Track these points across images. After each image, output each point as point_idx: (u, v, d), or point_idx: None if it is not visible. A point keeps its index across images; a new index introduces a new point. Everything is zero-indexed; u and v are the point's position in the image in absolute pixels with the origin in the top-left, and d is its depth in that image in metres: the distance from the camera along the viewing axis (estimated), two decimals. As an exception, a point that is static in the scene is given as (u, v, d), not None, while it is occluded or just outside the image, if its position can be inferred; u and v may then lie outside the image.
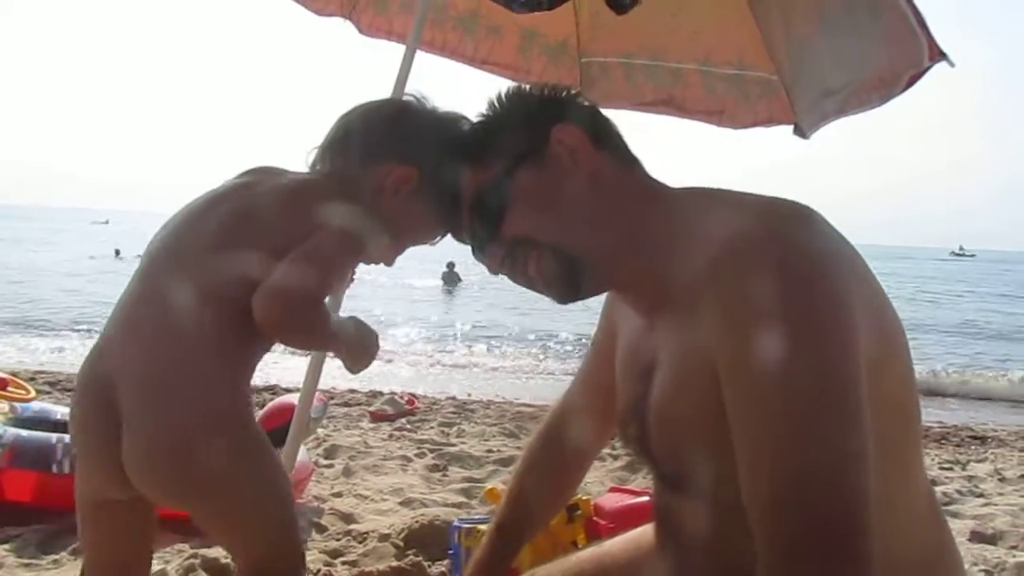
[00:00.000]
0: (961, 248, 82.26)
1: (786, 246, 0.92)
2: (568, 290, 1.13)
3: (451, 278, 23.23)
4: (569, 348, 11.98)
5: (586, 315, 1.90)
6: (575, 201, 1.11)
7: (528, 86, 1.23)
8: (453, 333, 13.36)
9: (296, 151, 1.44)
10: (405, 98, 1.42)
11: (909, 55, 1.67)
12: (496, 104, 1.21)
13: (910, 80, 1.73)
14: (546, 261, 1.11)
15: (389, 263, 1.42)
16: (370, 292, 18.40)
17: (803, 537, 0.83)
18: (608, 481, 3.62)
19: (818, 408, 0.85)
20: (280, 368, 6.62)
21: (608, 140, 1.16)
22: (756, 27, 2.13)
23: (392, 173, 1.33)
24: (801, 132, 2.11)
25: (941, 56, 1.66)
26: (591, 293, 1.15)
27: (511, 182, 1.12)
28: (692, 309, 0.98)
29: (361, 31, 2.50)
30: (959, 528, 3.23)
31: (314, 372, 2.53)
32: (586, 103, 1.20)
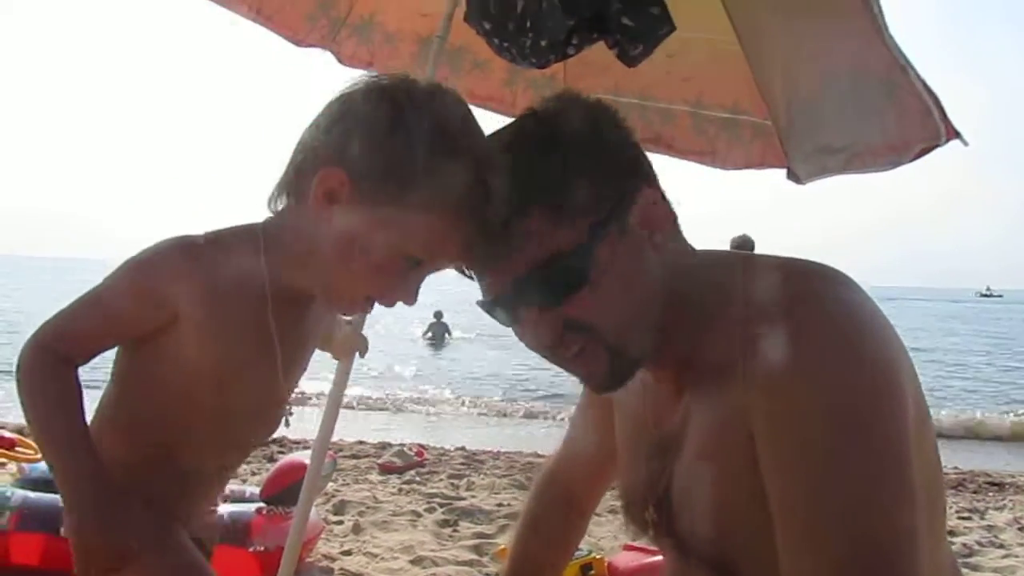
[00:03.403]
0: (988, 289, 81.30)
1: (831, 310, 0.87)
2: (609, 387, 1.00)
3: (439, 330, 19.15)
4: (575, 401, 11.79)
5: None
6: (644, 289, 0.96)
7: (607, 121, 1.01)
8: (458, 384, 13.26)
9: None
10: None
11: (922, 130, 1.69)
12: (561, 122, 0.97)
13: (922, 151, 1.75)
14: (598, 357, 0.96)
15: (349, 303, 1.15)
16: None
17: None
18: (622, 538, 3.57)
19: (875, 483, 0.81)
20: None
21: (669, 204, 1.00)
22: (752, 77, 2.15)
23: (320, 177, 1.04)
24: (796, 178, 2.13)
25: (956, 135, 1.69)
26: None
27: (595, 251, 0.93)
28: (725, 381, 0.92)
29: (342, 62, 2.44)
30: (981, 582, 3.17)
31: (327, 427, 2.50)
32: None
